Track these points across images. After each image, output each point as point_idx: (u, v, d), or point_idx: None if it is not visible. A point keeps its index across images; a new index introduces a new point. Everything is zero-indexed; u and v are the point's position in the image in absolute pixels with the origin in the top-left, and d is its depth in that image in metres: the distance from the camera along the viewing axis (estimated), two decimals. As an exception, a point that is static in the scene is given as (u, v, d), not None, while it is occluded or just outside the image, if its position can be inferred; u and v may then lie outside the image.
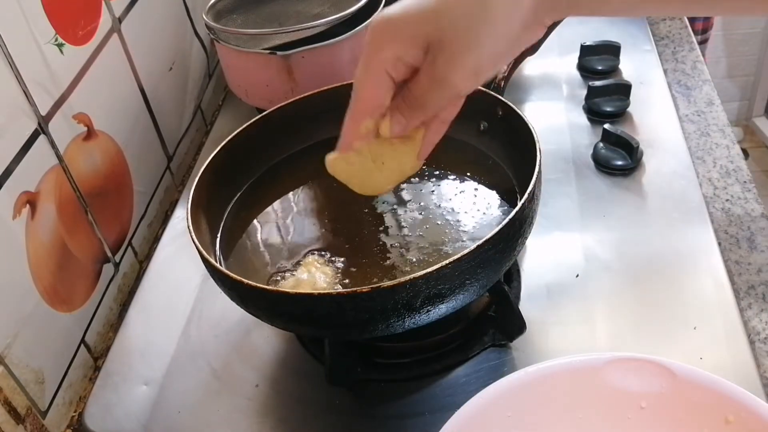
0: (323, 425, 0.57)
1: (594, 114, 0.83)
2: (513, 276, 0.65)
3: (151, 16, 0.81)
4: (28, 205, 0.57)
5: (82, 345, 0.65)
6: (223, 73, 0.89)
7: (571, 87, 0.88)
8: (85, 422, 0.60)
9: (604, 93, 0.83)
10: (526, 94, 0.88)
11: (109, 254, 0.71)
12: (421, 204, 0.63)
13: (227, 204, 0.65)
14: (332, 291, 0.55)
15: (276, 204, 0.66)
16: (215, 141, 0.78)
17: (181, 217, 0.79)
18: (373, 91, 0.45)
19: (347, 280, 0.57)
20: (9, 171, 0.55)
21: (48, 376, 0.60)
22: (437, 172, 0.65)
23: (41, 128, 0.60)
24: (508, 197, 0.62)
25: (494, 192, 0.63)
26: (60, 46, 0.63)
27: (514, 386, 0.49)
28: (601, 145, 0.77)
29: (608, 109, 0.82)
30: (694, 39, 0.97)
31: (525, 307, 0.61)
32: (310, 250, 0.60)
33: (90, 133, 0.68)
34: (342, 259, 0.59)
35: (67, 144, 0.64)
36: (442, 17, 0.42)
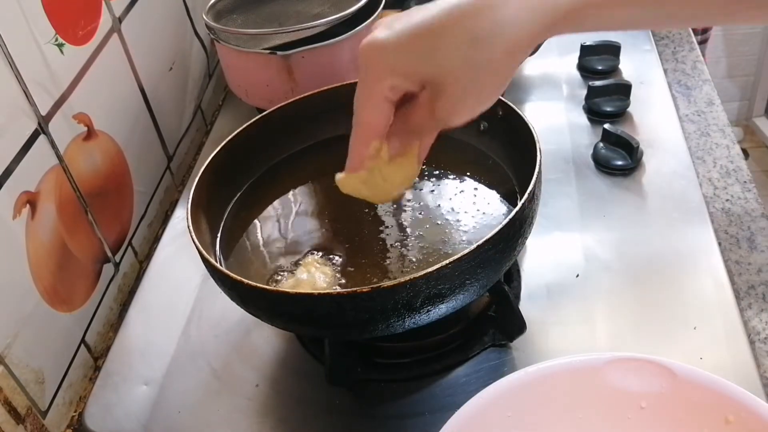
0: (323, 425, 0.57)
1: (594, 114, 0.83)
2: (513, 276, 0.65)
3: (151, 16, 0.81)
4: (28, 205, 0.57)
5: (82, 345, 0.65)
6: (223, 73, 0.89)
7: (571, 87, 0.88)
8: (85, 422, 0.60)
9: (604, 93, 0.83)
10: (526, 94, 0.88)
11: (109, 254, 0.71)
12: (421, 204, 0.63)
13: (227, 204, 0.65)
14: (332, 291, 0.55)
15: (276, 204, 0.66)
16: (215, 141, 0.78)
17: (181, 217, 0.79)
18: (376, 117, 0.46)
19: (347, 280, 0.57)
20: (9, 171, 0.55)
21: (48, 376, 0.60)
22: (437, 172, 0.65)
23: (41, 128, 0.60)
24: (508, 197, 0.62)
25: (494, 192, 0.63)
26: (60, 46, 0.63)
27: (514, 386, 0.49)
28: (601, 145, 0.77)
29: (608, 109, 0.82)
30: (694, 39, 0.97)
31: (525, 307, 0.61)
32: (309, 250, 0.60)
33: (90, 133, 0.68)
34: (342, 259, 0.59)
35: (67, 144, 0.64)
36: (440, 59, 0.43)
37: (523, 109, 0.76)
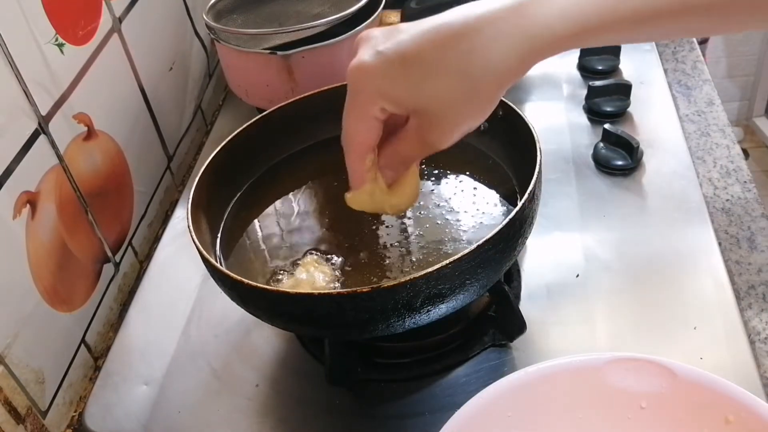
0: (323, 425, 0.57)
1: (594, 114, 0.83)
2: (513, 276, 0.65)
3: (152, 16, 0.81)
4: (28, 205, 0.57)
5: (83, 345, 0.65)
6: (224, 73, 0.89)
7: (571, 87, 0.88)
8: (86, 422, 0.60)
9: (605, 93, 0.83)
10: (526, 94, 0.88)
11: (110, 254, 0.71)
12: (421, 203, 0.63)
13: (227, 204, 0.65)
14: (332, 291, 0.55)
15: (276, 204, 0.66)
16: (215, 141, 0.78)
17: (181, 217, 0.79)
18: (366, 135, 0.47)
19: (347, 280, 0.57)
20: (9, 171, 0.55)
21: (48, 376, 0.60)
22: (437, 172, 0.65)
23: (41, 128, 0.60)
24: (508, 197, 0.62)
25: (494, 192, 0.63)
26: (60, 46, 0.63)
27: (514, 386, 0.49)
28: (601, 145, 0.77)
29: (608, 109, 0.82)
30: (694, 39, 0.97)
31: (525, 307, 0.61)
32: (308, 250, 0.60)
33: (90, 133, 0.68)
34: (341, 258, 0.59)
35: (67, 144, 0.64)
36: (430, 90, 0.44)
37: (523, 109, 0.76)
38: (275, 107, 0.67)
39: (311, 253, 0.60)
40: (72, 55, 0.65)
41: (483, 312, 0.62)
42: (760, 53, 2.36)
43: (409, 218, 0.61)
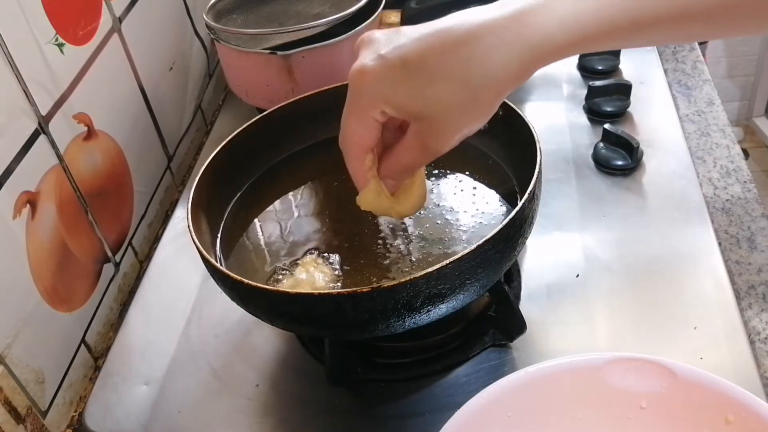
0: (323, 425, 0.57)
1: (594, 114, 0.83)
2: (513, 276, 0.65)
3: (152, 16, 0.81)
4: (28, 205, 0.57)
5: (83, 345, 0.65)
6: (224, 73, 0.89)
7: (571, 87, 0.88)
8: (86, 422, 0.60)
9: (605, 93, 0.83)
10: (526, 94, 0.88)
11: (110, 254, 0.71)
12: (422, 204, 0.63)
13: (227, 204, 0.65)
14: (332, 291, 0.55)
15: (276, 204, 0.66)
16: (215, 141, 0.78)
17: (181, 217, 0.79)
18: (366, 137, 0.48)
19: (346, 280, 0.57)
20: (9, 171, 0.55)
21: (48, 376, 0.60)
22: (436, 172, 0.66)
23: (41, 128, 0.60)
24: (508, 197, 0.62)
25: (494, 192, 0.63)
26: (60, 46, 0.63)
27: (514, 386, 0.49)
28: (601, 145, 0.77)
29: (608, 109, 0.82)
30: (694, 39, 0.97)
31: (525, 307, 0.61)
32: (308, 250, 0.60)
33: (90, 133, 0.68)
34: (341, 258, 0.59)
35: (67, 144, 0.64)
36: (431, 97, 0.44)
37: (523, 109, 0.76)
38: (275, 107, 0.67)
39: (311, 253, 0.60)
40: (72, 55, 0.65)
41: (483, 312, 0.62)
42: (760, 53, 2.36)
43: (410, 218, 0.61)
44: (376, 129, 0.47)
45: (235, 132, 0.65)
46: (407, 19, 0.97)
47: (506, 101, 0.61)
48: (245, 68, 0.83)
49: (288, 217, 0.65)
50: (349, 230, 0.62)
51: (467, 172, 0.65)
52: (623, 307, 0.62)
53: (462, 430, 0.47)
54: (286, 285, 0.57)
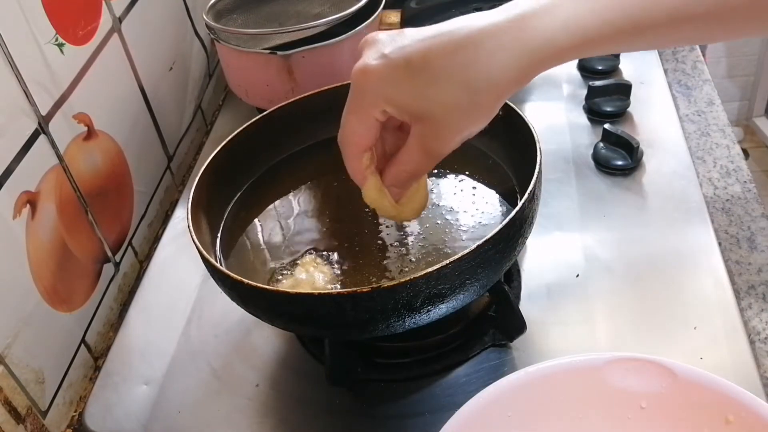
0: (323, 425, 0.57)
1: (594, 114, 0.83)
2: (513, 276, 0.65)
3: (152, 16, 0.81)
4: (28, 205, 0.57)
5: (83, 345, 0.65)
6: (224, 73, 0.89)
7: (571, 87, 0.88)
8: (86, 422, 0.60)
9: (605, 93, 0.83)
10: (526, 94, 0.88)
11: (110, 254, 0.71)
12: (421, 204, 0.63)
13: (227, 204, 0.65)
14: (332, 291, 0.55)
15: (276, 204, 0.66)
16: (215, 141, 0.78)
17: (181, 217, 0.79)
18: (365, 136, 0.48)
19: (346, 280, 0.57)
20: (9, 171, 0.55)
21: (48, 376, 0.60)
22: (436, 172, 0.66)
23: (41, 128, 0.60)
24: (508, 197, 0.62)
25: (494, 191, 0.63)
26: (60, 46, 0.63)
27: (514, 386, 0.49)
28: (601, 145, 0.77)
29: (608, 109, 0.82)
30: (694, 39, 0.97)
31: (525, 307, 0.61)
32: (308, 250, 0.60)
33: (90, 133, 0.68)
34: (341, 258, 0.59)
35: (67, 144, 0.64)
36: (433, 99, 0.44)
37: (523, 109, 0.76)
38: (275, 107, 0.67)
39: (311, 253, 0.60)
40: (72, 55, 0.65)
41: (483, 312, 0.62)
42: (760, 53, 2.36)
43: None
44: (375, 128, 0.48)
45: (235, 132, 0.65)
46: (407, 19, 0.97)
47: (506, 101, 0.61)
48: (245, 68, 0.83)
49: (288, 217, 0.65)
50: (349, 230, 0.62)
51: (467, 172, 0.65)
52: (623, 307, 0.62)
53: (462, 430, 0.47)
54: (286, 285, 0.57)
